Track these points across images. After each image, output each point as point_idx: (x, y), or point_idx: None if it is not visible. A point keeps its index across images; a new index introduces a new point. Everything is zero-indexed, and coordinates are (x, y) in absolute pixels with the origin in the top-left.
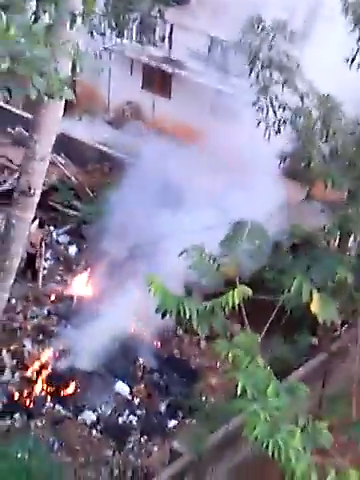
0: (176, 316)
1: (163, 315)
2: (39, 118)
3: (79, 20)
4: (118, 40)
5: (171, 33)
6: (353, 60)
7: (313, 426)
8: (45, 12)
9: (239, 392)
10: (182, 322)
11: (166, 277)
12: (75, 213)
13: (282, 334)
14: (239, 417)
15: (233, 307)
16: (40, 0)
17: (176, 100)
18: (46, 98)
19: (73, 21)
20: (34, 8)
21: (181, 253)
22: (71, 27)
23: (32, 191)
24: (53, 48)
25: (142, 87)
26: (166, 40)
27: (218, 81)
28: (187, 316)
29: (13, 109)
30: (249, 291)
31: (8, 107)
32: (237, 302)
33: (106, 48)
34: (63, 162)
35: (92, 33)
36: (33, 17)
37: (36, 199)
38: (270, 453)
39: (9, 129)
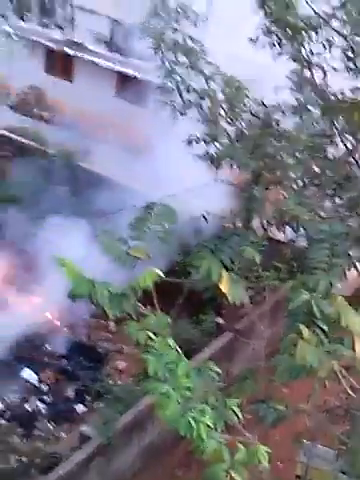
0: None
1: (74, 299)
2: None
3: None
4: (20, 23)
5: (73, 16)
6: (257, 40)
7: (223, 404)
8: None
9: (151, 373)
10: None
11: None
12: None
13: (188, 315)
14: (147, 399)
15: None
16: None
17: (78, 84)
18: None
19: None
20: None
21: (97, 236)
22: None
23: None
24: None
25: (45, 70)
26: (68, 23)
27: (121, 64)
28: (99, 299)
29: None
30: (160, 273)
31: None
32: (148, 284)
33: (6, 30)
34: None
35: None
36: None
37: None
38: (182, 433)
39: None
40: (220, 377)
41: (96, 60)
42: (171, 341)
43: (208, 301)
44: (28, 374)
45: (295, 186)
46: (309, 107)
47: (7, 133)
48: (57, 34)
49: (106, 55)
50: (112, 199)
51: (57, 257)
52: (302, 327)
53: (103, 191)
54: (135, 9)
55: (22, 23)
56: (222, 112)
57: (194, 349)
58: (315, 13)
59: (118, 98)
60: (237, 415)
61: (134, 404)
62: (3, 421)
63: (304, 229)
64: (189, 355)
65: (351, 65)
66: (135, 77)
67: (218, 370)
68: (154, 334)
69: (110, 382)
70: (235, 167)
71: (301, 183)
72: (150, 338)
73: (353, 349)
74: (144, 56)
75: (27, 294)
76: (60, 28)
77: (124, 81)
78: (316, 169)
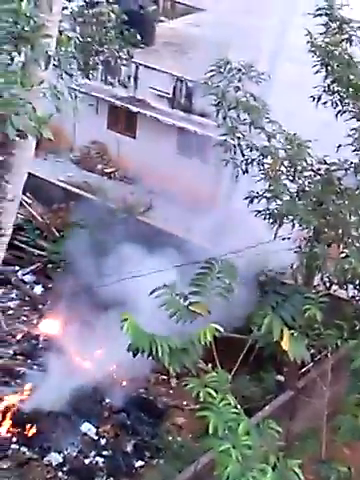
0: (148, 354)
1: (135, 353)
2: (10, 158)
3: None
4: (84, 80)
5: (137, 73)
6: (319, 99)
7: (284, 464)
8: (20, 53)
9: (210, 431)
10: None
11: (138, 316)
12: (41, 253)
13: (248, 371)
14: (206, 456)
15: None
16: (17, 40)
17: (141, 139)
18: (18, 138)
19: (48, 62)
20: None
21: (152, 292)
22: (46, 67)
23: (2, 231)
24: (29, 88)
25: (107, 127)
26: (132, 80)
27: (183, 121)
28: (159, 354)
29: None
30: (220, 329)
31: None
32: (209, 340)
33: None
34: (29, 201)
35: (62, 73)
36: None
37: (6, 239)
38: None
39: None
40: (280, 436)
41: (158, 116)
42: (231, 398)
43: (268, 358)
44: (87, 428)
45: (357, 244)
46: None
47: (70, 187)
48: (121, 91)
49: (168, 111)
50: (173, 254)
51: (119, 312)
52: None
53: (164, 246)
54: (197, 67)
55: (87, 81)
56: (283, 169)
57: (254, 407)
58: None
59: (180, 154)
60: (298, 476)
61: (193, 461)
62: (61, 474)
63: None
64: (249, 413)
65: None
66: (196, 133)
67: (279, 429)
68: (214, 391)
69: (169, 438)
70: (296, 224)
71: None
72: (210, 395)
73: None
74: (206, 113)
75: (89, 348)
76: (124, 86)
77: (186, 137)
78: None
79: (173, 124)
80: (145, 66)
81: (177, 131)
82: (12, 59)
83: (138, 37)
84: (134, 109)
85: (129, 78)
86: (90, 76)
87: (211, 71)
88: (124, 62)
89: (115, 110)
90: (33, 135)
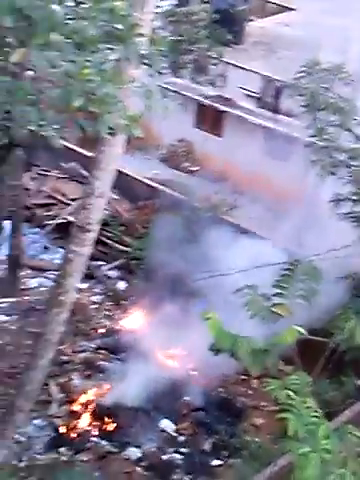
0: (230, 354)
1: (216, 353)
2: (99, 155)
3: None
4: (173, 78)
5: (225, 72)
6: None
7: None
8: (113, 51)
9: (290, 433)
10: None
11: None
12: (125, 248)
13: (328, 375)
14: (284, 458)
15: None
16: (111, 39)
17: (227, 138)
18: (108, 136)
19: (140, 60)
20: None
21: (236, 291)
22: (138, 66)
23: (90, 227)
24: (122, 86)
25: (195, 125)
26: (220, 79)
27: (270, 121)
28: (241, 354)
29: (68, 144)
30: (302, 331)
31: (63, 142)
32: (290, 342)
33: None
34: (115, 197)
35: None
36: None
37: (93, 235)
38: None
39: (63, 164)
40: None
41: (245, 116)
42: (312, 401)
43: (349, 362)
44: (166, 424)
45: None
46: None
47: (156, 185)
48: (209, 90)
49: (255, 111)
50: (256, 254)
51: (202, 311)
52: None
53: (247, 246)
54: (286, 66)
55: (176, 79)
56: None
57: (333, 411)
58: None
59: (265, 154)
60: None
61: (270, 463)
62: (139, 469)
63: None
64: (328, 417)
65: None
66: (283, 133)
67: (359, 434)
68: (294, 393)
69: (247, 438)
70: None
71: None
72: (290, 397)
73: None
74: (293, 113)
75: (170, 346)
76: (212, 84)
77: (272, 137)
78: None
79: (260, 124)
80: (234, 65)
81: (263, 131)
82: (106, 58)
83: (228, 36)
84: (221, 108)
85: (217, 77)
86: (179, 74)
87: (301, 72)
88: (213, 61)
89: (203, 109)
90: (124, 133)
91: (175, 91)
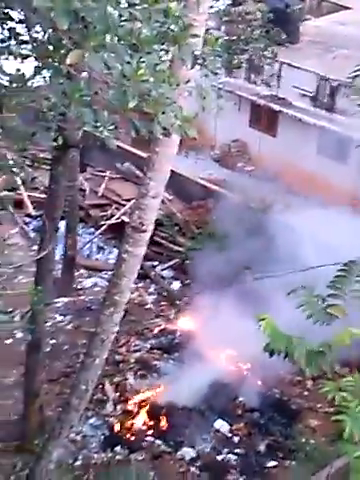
0: (285, 355)
1: (271, 353)
2: (153, 156)
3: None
4: (226, 79)
5: (280, 72)
6: None
7: None
8: (167, 52)
9: (346, 436)
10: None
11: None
12: (179, 249)
13: None
14: (341, 460)
15: None
16: (165, 40)
17: (282, 138)
18: (162, 136)
19: (194, 61)
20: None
21: (290, 292)
22: (192, 67)
23: (144, 227)
24: (176, 87)
25: (249, 125)
26: (275, 79)
27: (325, 120)
28: (296, 356)
29: (122, 145)
30: (359, 333)
31: (117, 143)
32: (346, 344)
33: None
34: (169, 198)
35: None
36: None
37: (148, 235)
38: None
39: (118, 164)
40: None
41: (300, 115)
42: None
43: None
44: (220, 425)
45: None
46: None
47: (210, 185)
48: (263, 90)
49: (310, 110)
50: (310, 255)
51: (256, 312)
52: None
53: (302, 246)
54: (342, 66)
55: (230, 79)
56: None
57: None
58: None
59: (320, 153)
60: None
61: (326, 465)
62: (193, 469)
63: None
64: None
65: None
66: (338, 133)
67: None
68: (350, 395)
69: (302, 440)
70: None
71: None
72: (346, 399)
73: None
74: (348, 112)
75: (224, 345)
76: (267, 84)
77: (327, 137)
78: None
79: (315, 123)
80: (289, 64)
81: (318, 130)
82: (160, 59)
83: (283, 35)
84: (276, 108)
85: (272, 76)
86: (234, 74)
87: (356, 70)
88: (268, 61)
89: (257, 108)
90: (178, 134)
91: (230, 91)
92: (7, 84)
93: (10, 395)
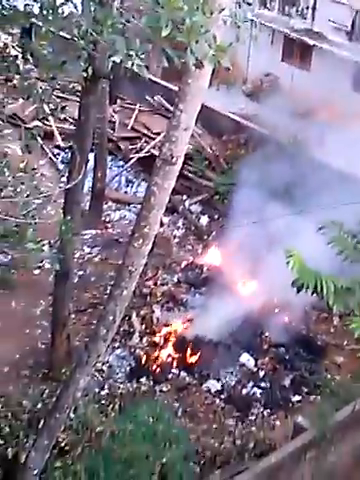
0: (312, 291)
1: (299, 289)
2: (185, 88)
3: None
4: (260, 10)
5: (315, 5)
6: None
7: None
8: None
9: None
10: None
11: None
12: (208, 183)
13: None
14: None
15: None
16: None
17: (316, 73)
18: (194, 68)
19: None
20: None
21: (319, 228)
22: None
23: (175, 160)
24: (211, 15)
25: (282, 59)
26: (309, 12)
27: None
28: (324, 292)
29: (152, 78)
30: None
31: (148, 76)
32: None
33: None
34: (199, 132)
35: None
36: None
37: (177, 168)
38: None
39: (148, 97)
40: None
41: (335, 50)
42: None
43: None
44: (246, 359)
45: None
46: None
47: (241, 120)
48: (297, 23)
49: (345, 45)
50: (342, 191)
51: (285, 247)
52: None
53: (333, 183)
54: None
55: (265, 11)
56: None
57: None
58: None
59: (355, 89)
60: None
61: (351, 401)
62: (218, 401)
63: None
64: None
65: None
66: None
67: None
68: None
69: (327, 376)
70: None
71: None
72: None
73: None
74: None
75: (251, 280)
76: (302, 17)
77: None
78: None
79: (349, 58)
80: None
81: (354, 66)
82: None
83: None
84: (310, 42)
85: (307, 9)
86: (268, 6)
87: None
88: None
89: (290, 42)
90: (211, 64)
91: (263, 23)
92: (37, 11)
93: (38, 324)
